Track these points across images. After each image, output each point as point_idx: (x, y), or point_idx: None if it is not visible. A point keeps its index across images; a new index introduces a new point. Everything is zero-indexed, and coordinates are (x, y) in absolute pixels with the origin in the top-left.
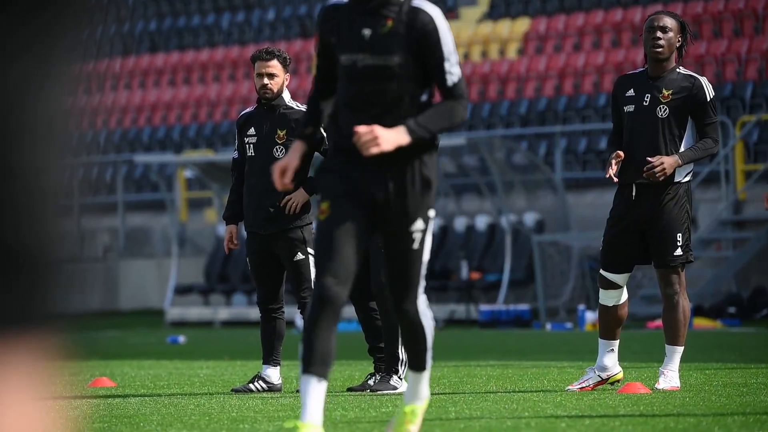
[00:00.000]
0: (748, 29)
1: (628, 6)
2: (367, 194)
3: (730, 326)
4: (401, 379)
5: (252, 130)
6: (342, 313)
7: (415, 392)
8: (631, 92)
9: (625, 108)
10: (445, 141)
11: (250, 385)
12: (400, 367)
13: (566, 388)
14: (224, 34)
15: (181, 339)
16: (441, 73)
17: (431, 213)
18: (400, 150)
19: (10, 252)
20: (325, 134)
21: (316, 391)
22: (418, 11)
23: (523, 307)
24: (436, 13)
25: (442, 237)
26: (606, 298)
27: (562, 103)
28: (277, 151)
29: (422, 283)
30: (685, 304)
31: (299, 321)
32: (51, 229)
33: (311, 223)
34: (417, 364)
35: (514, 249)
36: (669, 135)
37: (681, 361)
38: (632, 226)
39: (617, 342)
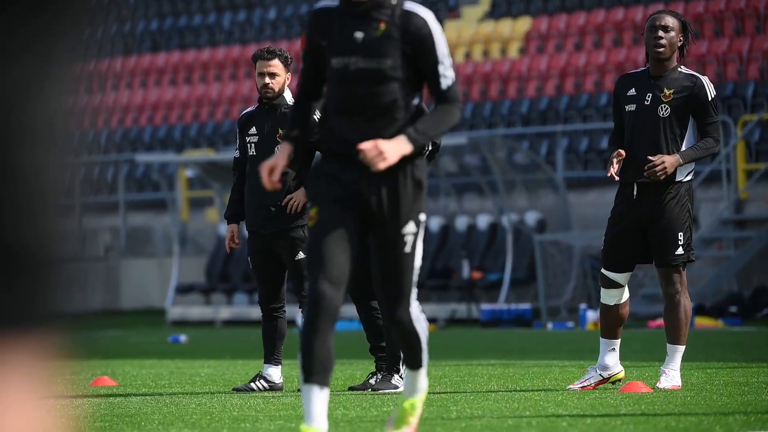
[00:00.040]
0: (750, 28)
1: (630, 5)
2: (358, 197)
3: (732, 325)
4: (402, 378)
5: (253, 130)
6: (340, 313)
7: (414, 387)
8: (632, 91)
9: (627, 107)
10: (446, 140)
11: (252, 384)
12: (401, 366)
13: (567, 387)
14: (225, 34)
15: (183, 338)
16: (435, 76)
17: (422, 217)
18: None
19: (11, 251)
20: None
21: (318, 398)
22: (411, 15)
23: (525, 306)
24: (429, 16)
25: (443, 236)
26: (607, 297)
27: (564, 102)
28: (278, 150)
29: (414, 291)
30: (686, 303)
31: (300, 320)
32: (52, 228)
33: None
34: (413, 363)
35: (516, 248)
36: (670, 134)
37: (682, 360)
38: (634, 225)
39: (618, 341)
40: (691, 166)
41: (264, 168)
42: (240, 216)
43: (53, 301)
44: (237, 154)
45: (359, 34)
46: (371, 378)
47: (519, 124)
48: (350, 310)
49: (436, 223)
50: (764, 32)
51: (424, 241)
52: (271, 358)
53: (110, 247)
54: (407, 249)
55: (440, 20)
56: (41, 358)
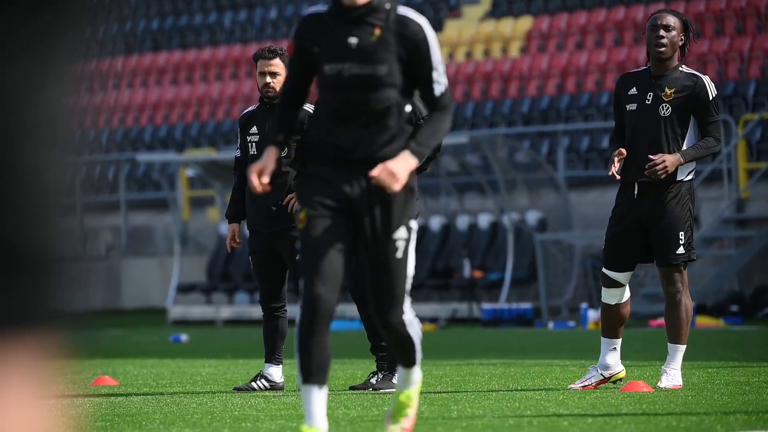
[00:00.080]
0: (751, 27)
1: (631, 4)
2: (348, 202)
3: (733, 325)
4: None
5: (254, 129)
6: (335, 313)
7: (408, 380)
8: (633, 91)
9: (628, 106)
10: (447, 139)
11: (253, 384)
12: None
13: (568, 387)
14: (226, 33)
15: (184, 337)
16: (429, 82)
17: (413, 224)
18: (382, 155)
19: (13, 251)
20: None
21: (318, 398)
22: (406, 20)
23: (526, 305)
24: (423, 22)
25: (444, 235)
26: (608, 296)
27: (565, 101)
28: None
29: (408, 299)
30: (687, 302)
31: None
32: (53, 227)
33: None
34: (407, 363)
35: (517, 247)
36: (671, 133)
37: (683, 360)
38: (635, 224)
39: (620, 340)
40: (692, 165)
41: (253, 171)
42: (241, 215)
43: (54, 300)
44: (238, 153)
45: (353, 40)
46: (372, 377)
47: (520, 124)
48: (350, 309)
49: (437, 223)
50: (765, 31)
51: (425, 240)
52: (272, 358)
53: (111, 246)
54: (399, 255)
55: (441, 19)
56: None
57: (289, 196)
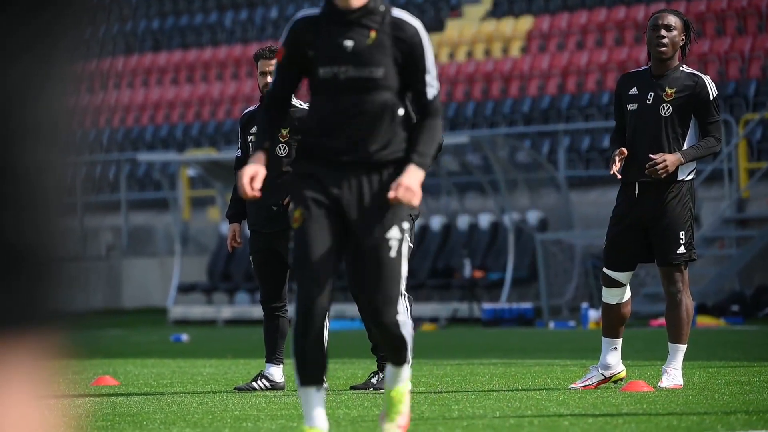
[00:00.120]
0: (752, 27)
1: (632, 4)
2: (341, 203)
3: (733, 324)
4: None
5: (255, 129)
6: (336, 313)
7: (397, 377)
8: (634, 90)
9: (629, 106)
10: (448, 139)
11: (253, 384)
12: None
13: (569, 387)
14: (227, 33)
15: (184, 337)
16: (423, 85)
17: (405, 225)
18: (377, 158)
19: (13, 251)
20: None
21: (317, 399)
22: (402, 23)
23: (526, 305)
24: (419, 25)
25: (445, 235)
26: (609, 296)
27: (565, 101)
28: (280, 149)
29: (402, 302)
30: (688, 302)
31: None
32: (54, 227)
33: None
34: (398, 362)
35: (517, 247)
36: (672, 133)
37: (684, 360)
38: (635, 224)
39: (620, 340)
40: (693, 165)
41: (245, 175)
42: (242, 215)
43: (55, 300)
44: (239, 153)
45: (349, 43)
46: (373, 377)
47: (521, 123)
48: (351, 309)
49: (437, 222)
50: (766, 31)
51: (426, 240)
52: (272, 358)
53: (112, 246)
54: (392, 254)
55: (442, 19)
56: (42, 358)
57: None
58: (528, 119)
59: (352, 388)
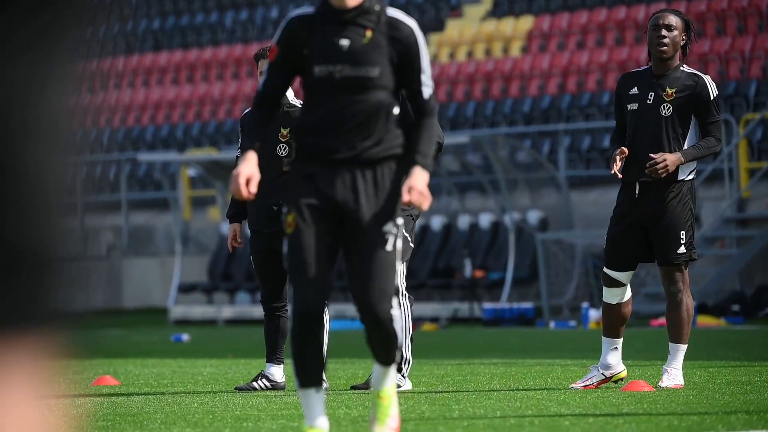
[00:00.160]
0: (752, 27)
1: (632, 4)
2: (335, 202)
3: (734, 324)
4: (405, 377)
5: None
6: (336, 313)
7: (385, 378)
8: (634, 90)
9: (629, 106)
10: (449, 139)
11: (254, 384)
12: (403, 365)
13: (570, 387)
14: (227, 32)
15: (185, 337)
16: (418, 85)
17: (400, 221)
18: (369, 155)
19: (13, 251)
20: None
21: (316, 400)
22: (398, 22)
23: (527, 305)
24: (414, 24)
25: (445, 235)
26: (609, 296)
27: (566, 101)
28: (280, 149)
29: (396, 298)
30: (688, 302)
31: None
32: (54, 227)
33: None
34: (387, 361)
35: (518, 247)
36: (672, 133)
37: (684, 359)
38: (636, 223)
39: (621, 340)
40: (693, 164)
41: (240, 177)
42: (242, 215)
43: (55, 300)
44: (239, 153)
45: (345, 42)
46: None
47: (521, 123)
48: (351, 309)
49: (438, 222)
50: (766, 31)
51: (426, 240)
52: (273, 357)
53: (112, 246)
54: (389, 247)
55: (442, 19)
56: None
57: None
58: (528, 119)
59: (353, 388)
